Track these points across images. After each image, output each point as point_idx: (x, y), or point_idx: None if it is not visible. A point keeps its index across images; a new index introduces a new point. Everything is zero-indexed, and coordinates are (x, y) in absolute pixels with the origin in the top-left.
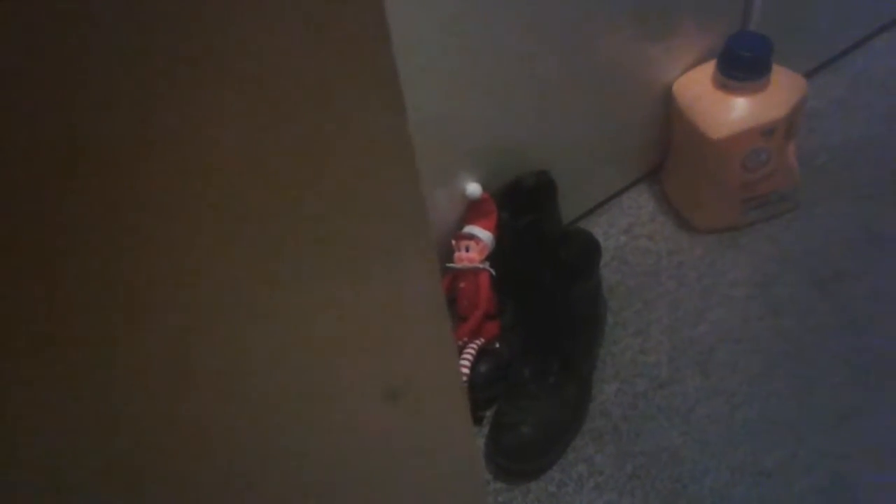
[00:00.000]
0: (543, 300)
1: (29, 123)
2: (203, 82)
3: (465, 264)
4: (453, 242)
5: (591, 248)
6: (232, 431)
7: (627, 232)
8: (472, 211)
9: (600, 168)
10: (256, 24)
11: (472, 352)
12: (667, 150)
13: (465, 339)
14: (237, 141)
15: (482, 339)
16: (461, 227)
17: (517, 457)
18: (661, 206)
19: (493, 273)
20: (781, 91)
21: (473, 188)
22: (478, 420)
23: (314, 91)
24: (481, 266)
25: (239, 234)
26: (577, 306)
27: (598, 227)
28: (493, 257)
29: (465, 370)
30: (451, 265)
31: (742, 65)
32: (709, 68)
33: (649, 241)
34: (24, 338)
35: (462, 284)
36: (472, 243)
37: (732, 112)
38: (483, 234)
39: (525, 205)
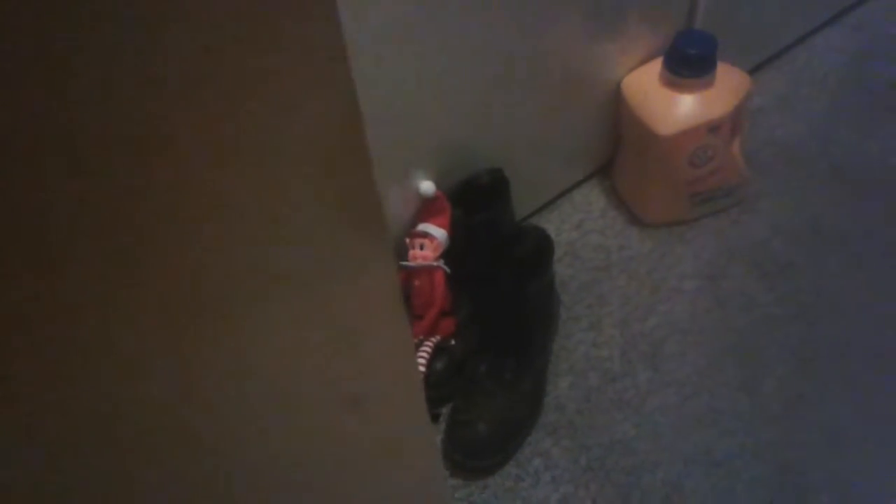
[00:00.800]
0: (498, 297)
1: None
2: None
3: (420, 262)
4: (407, 240)
5: (544, 245)
6: (195, 440)
7: (579, 227)
8: (426, 209)
9: (552, 165)
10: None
11: (429, 349)
12: (616, 147)
13: (421, 336)
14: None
15: (438, 337)
16: (415, 225)
17: (474, 453)
18: (612, 201)
19: (448, 270)
20: (727, 88)
21: (427, 186)
22: (434, 417)
23: (270, 92)
24: (436, 264)
25: (195, 243)
26: (532, 302)
27: (551, 224)
28: (448, 255)
29: (422, 368)
30: (405, 263)
31: (688, 62)
32: (656, 66)
33: (600, 236)
34: (21, 336)
35: (417, 282)
36: (426, 241)
37: (679, 109)
38: (437, 231)
39: (478, 202)
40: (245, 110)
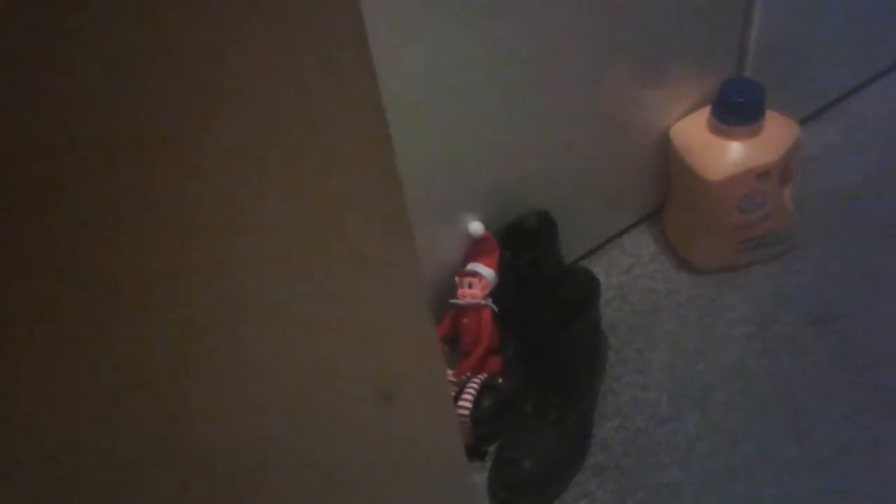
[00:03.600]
0: (543, 336)
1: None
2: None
3: (468, 301)
4: (456, 279)
5: (590, 286)
6: (229, 433)
7: (628, 272)
8: (475, 249)
9: (601, 209)
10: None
11: (476, 386)
12: (666, 193)
13: (469, 373)
14: (237, 145)
15: (485, 374)
16: (465, 265)
17: (519, 491)
18: (661, 246)
19: (496, 309)
20: (775, 135)
21: (476, 227)
22: (481, 455)
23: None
24: (483, 302)
25: (237, 237)
26: (576, 343)
27: (600, 267)
28: (496, 294)
29: (468, 405)
30: (454, 301)
31: (736, 110)
32: (705, 114)
33: (650, 280)
34: (21, 336)
35: (465, 320)
36: (474, 280)
37: (728, 155)
38: (485, 271)
39: (526, 243)
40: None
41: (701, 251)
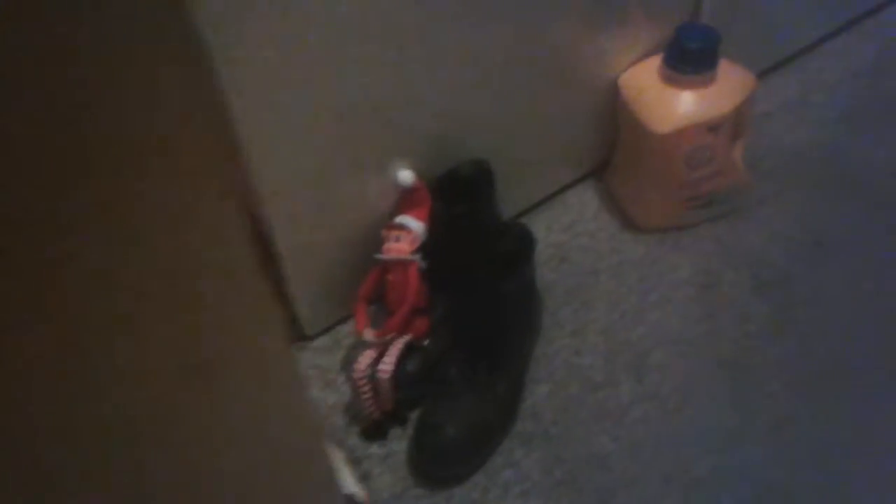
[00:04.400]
0: (474, 295)
1: None
2: None
3: (394, 255)
4: (383, 232)
5: (525, 242)
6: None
7: (569, 229)
8: (404, 200)
9: (544, 162)
10: None
11: (399, 348)
12: (614, 148)
13: (392, 334)
14: None
15: (410, 336)
16: (393, 217)
17: (440, 459)
18: (606, 204)
19: (423, 265)
20: (729, 87)
21: (405, 175)
22: (402, 421)
23: None
24: (410, 258)
25: None
26: (508, 302)
27: (540, 224)
28: (425, 249)
29: (390, 367)
30: (379, 256)
31: (688, 57)
32: (656, 62)
33: (591, 239)
34: None
35: (390, 277)
36: (402, 233)
37: (677, 106)
38: (414, 223)
39: (461, 195)
40: None
41: (646, 209)
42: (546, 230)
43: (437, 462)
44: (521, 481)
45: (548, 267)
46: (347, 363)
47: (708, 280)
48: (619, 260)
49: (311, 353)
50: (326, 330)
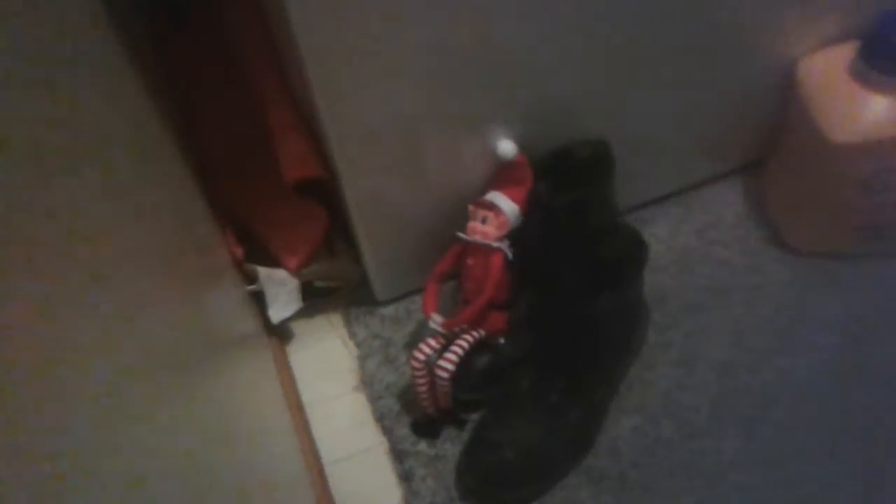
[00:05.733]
0: (563, 302)
1: None
2: None
3: (477, 239)
4: (470, 208)
5: (634, 251)
6: None
7: (701, 234)
8: (502, 175)
9: (681, 149)
10: None
11: (467, 343)
12: (775, 144)
13: (463, 326)
14: None
15: (482, 332)
16: (484, 193)
17: (491, 482)
18: (753, 211)
19: (510, 255)
20: None
21: (506, 146)
22: (458, 423)
23: None
24: (496, 244)
25: None
26: (604, 320)
27: (665, 221)
28: (515, 236)
29: (451, 365)
30: (460, 235)
31: (892, 54)
32: (848, 52)
33: (726, 249)
34: None
35: (470, 261)
36: (490, 214)
37: (867, 112)
38: (507, 204)
39: (570, 181)
40: None
41: (802, 226)
42: (671, 229)
43: (487, 483)
44: None
45: (666, 273)
46: (414, 341)
47: (861, 330)
48: (756, 281)
49: (377, 320)
50: (399, 298)
